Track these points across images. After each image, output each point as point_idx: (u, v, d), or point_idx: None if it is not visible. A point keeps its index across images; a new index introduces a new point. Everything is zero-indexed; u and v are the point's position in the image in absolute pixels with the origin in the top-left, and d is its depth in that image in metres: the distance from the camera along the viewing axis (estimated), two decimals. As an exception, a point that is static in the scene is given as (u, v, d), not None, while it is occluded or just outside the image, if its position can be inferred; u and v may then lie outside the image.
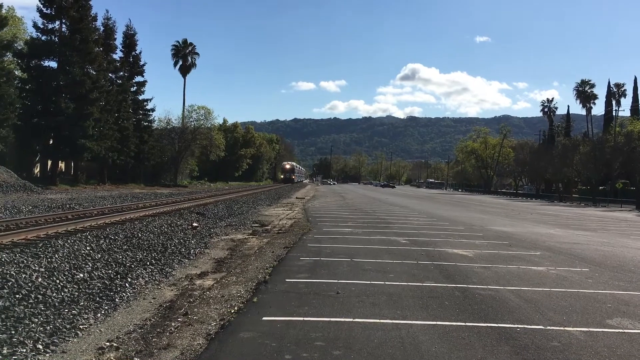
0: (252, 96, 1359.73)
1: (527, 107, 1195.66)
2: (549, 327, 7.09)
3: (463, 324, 7.13)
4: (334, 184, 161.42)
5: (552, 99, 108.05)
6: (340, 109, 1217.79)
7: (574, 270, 11.94)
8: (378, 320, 7.15)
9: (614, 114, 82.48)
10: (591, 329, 7.09)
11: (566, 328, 7.09)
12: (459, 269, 11.49)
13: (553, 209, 46.64)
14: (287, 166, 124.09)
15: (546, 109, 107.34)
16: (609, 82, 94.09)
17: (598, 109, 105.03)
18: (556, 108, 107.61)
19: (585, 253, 15.25)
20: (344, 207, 36.05)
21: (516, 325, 7.10)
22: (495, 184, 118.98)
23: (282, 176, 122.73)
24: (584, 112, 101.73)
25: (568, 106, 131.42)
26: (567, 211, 44.25)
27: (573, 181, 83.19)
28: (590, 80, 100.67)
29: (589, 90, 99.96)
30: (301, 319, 7.16)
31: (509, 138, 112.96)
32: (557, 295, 9.19)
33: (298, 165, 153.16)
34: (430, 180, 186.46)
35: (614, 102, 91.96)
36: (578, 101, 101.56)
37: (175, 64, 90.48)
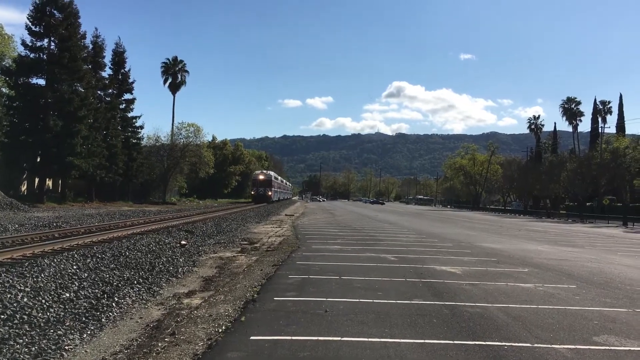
0: (241, 113, 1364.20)
1: (513, 123, 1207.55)
2: (536, 345, 7.12)
3: (451, 342, 7.14)
4: (324, 200, 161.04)
5: (539, 116, 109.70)
6: (328, 126, 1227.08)
7: (562, 287, 12.01)
8: (366, 339, 7.14)
9: (600, 130, 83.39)
10: (578, 347, 7.12)
11: (553, 345, 7.12)
12: (447, 287, 11.51)
13: (541, 226, 46.89)
14: (261, 177, 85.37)
15: (533, 126, 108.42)
16: (595, 100, 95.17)
17: (584, 126, 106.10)
18: (542, 125, 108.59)
19: (572, 270, 15.34)
20: (333, 224, 36.03)
21: (504, 343, 7.12)
22: (484, 200, 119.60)
23: (252, 192, 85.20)
24: (570, 129, 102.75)
25: (555, 123, 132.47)
26: (555, 227, 44.51)
27: (560, 197, 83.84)
28: (576, 98, 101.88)
29: (575, 108, 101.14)
30: (289, 338, 7.13)
31: (497, 154, 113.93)
32: (545, 312, 9.23)
33: (279, 177, 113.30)
34: (420, 196, 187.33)
35: (599, 119, 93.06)
36: (564, 118, 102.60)
37: (165, 82, 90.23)
